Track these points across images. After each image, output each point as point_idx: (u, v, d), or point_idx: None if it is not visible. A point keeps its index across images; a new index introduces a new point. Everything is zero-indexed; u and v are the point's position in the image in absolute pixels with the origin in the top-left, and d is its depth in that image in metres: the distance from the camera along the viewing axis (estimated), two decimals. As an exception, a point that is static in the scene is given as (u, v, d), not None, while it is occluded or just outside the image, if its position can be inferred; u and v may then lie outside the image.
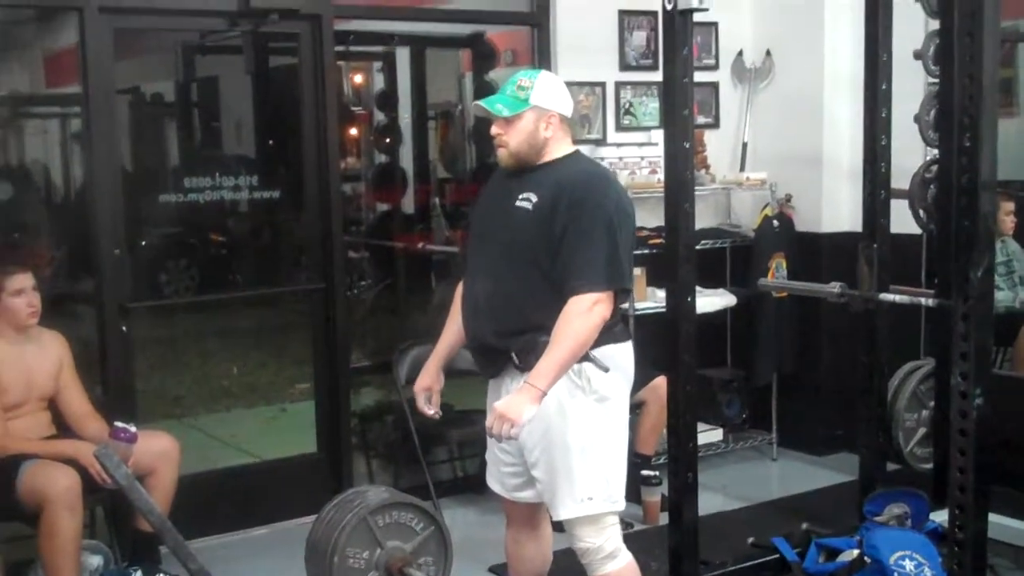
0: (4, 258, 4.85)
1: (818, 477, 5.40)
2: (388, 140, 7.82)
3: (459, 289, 3.38)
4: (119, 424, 3.97)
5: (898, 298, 4.13)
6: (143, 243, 6.43)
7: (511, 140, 3.15)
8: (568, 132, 3.24)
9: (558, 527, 3.35)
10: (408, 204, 7.95)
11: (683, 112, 3.85)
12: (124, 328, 4.49)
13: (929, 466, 4.55)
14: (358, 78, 8.42)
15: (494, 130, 3.19)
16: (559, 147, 3.18)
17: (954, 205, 3.18)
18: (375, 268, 7.22)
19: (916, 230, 4.72)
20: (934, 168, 4.41)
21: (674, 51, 3.82)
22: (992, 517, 3.33)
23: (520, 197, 3.12)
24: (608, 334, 3.09)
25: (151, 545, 4.14)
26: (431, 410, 3.39)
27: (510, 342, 3.12)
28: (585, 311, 2.98)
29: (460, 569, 3.92)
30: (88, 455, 3.73)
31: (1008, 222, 5.23)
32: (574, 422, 3.11)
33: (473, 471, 5.14)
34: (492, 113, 3.15)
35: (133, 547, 4.18)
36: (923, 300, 4.04)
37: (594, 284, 2.99)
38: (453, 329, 3.39)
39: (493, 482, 3.41)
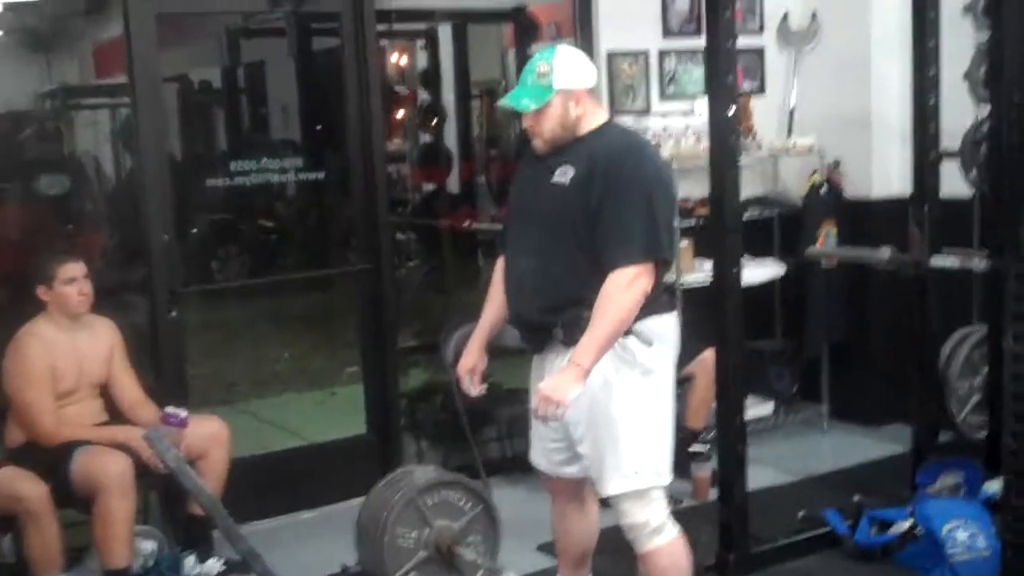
0: (57, 247, 4.92)
1: (871, 449, 5.30)
2: (432, 119, 7.83)
3: (498, 266, 3.36)
4: (169, 409, 4.02)
5: (949, 261, 4.04)
6: (193, 229, 6.50)
7: (544, 129, 3.12)
8: (597, 102, 3.21)
9: (604, 503, 3.33)
10: (453, 183, 7.96)
11: (727, 78, 3.81)
12: (174, 313, 4.51)
13: (983, 434, 4.46)
14: (401, 58, 8.42)
15: (526, 122, 3.16)
16: (591, 119, 3.15)
17: (1006, 162, 3.10)
18: (422, 248, 7.24)
19: (968, 193, 4.63)
20: (985, 127, 4.30)
21: (717, 15, 3.78)
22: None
23: (557, 172, 3.10)
24: (651, 306, 3.06)
25: (204, 530, 4.17)
26: (474, 389, 3.39)
27: (554, 318, 3.10)
28: (625, 286, 2.96)
29: (509, 547, 3.93)
30: (140, 440, 3.78)
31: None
32: (619, 396, 3.09)
33: (522, 450, 5.04)
34: (519, 110, 3.12)
35: (186, 532, 4.22)
36: (975, 263, 3.94)
37: (633, 257, 2.96)
38: (493, 307, 3.37)
39: (538, 457, 3.40)
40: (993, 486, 4.04)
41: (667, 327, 3.18)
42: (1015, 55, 3.07)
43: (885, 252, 4.20)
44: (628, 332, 3.03)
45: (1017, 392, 3.06)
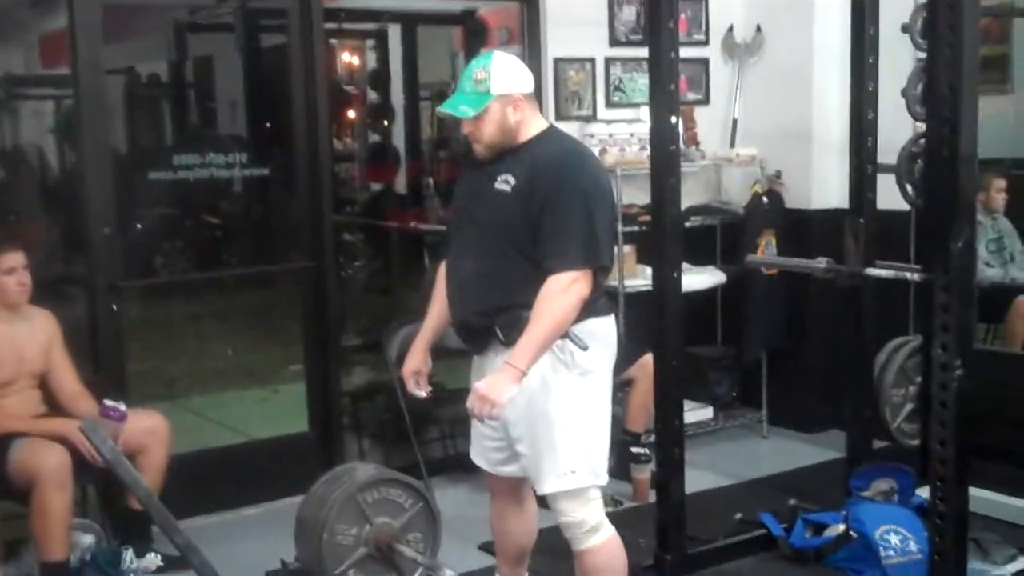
0: (-2, 238, 4.86)
1: (807, 454, 5.41)
2: (380, 119, 7.84)
3: (441, 270, 3.39)
4: (108, 402, 4.01)
5: (883, 272, 4.13)
6: (136, 224, 6.44)
7: (484, 135, 3.15)
8: (536, 108, 3.24)
9: (543, 503, 3.37)
10: (400, 183, 7.97)
11: (669, 87, 3.86)
12: (114, 307, 4.49)
13: (916, 442, 4.56)
14: (350, 57, 8.42)
15: (465, 129, 3.19)
16: (531, 126, 3.18)
17: (934, 176, 3.18)
18: (368, 248, 7.23)
19: (906, 207, 4.74)
20: (922, 142, 4.40)
21: (659, 25, 3.83)
22: (986, 493, 3.35)
23: (499, 180, 3.13)
24: (590, 308, 3.10)
25: (142, 524, 4.17)
26: (421, 392, 3.42)
27: (494, 320, 3.14)
28: (563, 290, 3.00)
29: (450, 546, 3.96)
30: (79, 433, 3.76)
31: (1000, 199, 5.24)
32: (557, 396, 3.12)
33: (464, 450, 5.03)
34: (458, 116, 3.15)
35: (125, 527, 4.21)
36: (908, 274, 4.04)
37: (572, 263, 3.01)
38: (437, 310, 3.41)
39: (477, 457, 3.44)
40: (925, 492, 4.14)
41: (605, 328, 3.23)
42: (947, 74, 3.15)
43: (821, 262, 4.27)
44: (565, 335, 3.07)
45: (944, 400, 3.14)
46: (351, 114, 8.13)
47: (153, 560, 4.15)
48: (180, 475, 4.20)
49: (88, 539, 4.04)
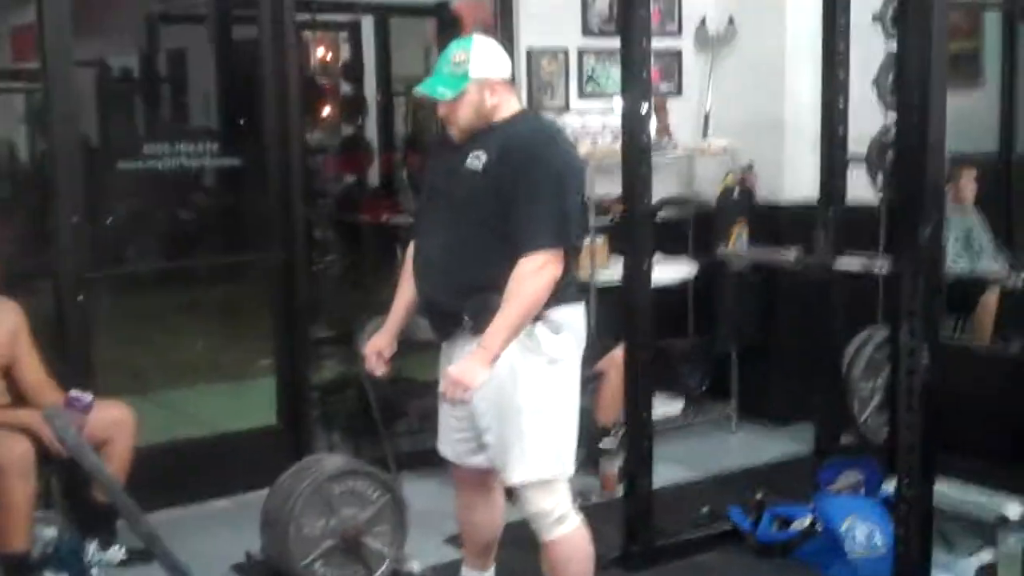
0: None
1: (778, 447, 5.39)
2: (354, 112, 7.79)
3: (410, 252, 3.38)
4: (74, 393, 3.96)
5: (852, 264, 4.14)
6: (105, 214, 6.38)
7: (459, 117, 3.15)
8: (512, 92, 3.24)
9: (510, 496, 3.36)
10: (374, 176, 7.94)
11: (641, 74, 3.86)
12: (81, 298, 4.45)
13: (884, 435, 4.56)
14: (324, 50, 8.38)
15: (441, 111, 3.19)
16: (505, 108, 3.18)
17: (903, 164, 3.20)
18: (341, 241, 7.18)
19: (876, 199, 4.74)
20: (891, 133, 4.41)
21: (631, 12, 3.83)
22: (952, 487, 3.36)
23: (470, 158, 3.12)
24: (559, 295, 3.09)
25: (107, 518, 4.12)
26: (378, 371, 3.41)
27: (462, 303, 3.12)
28: (535, 271, 2.99)
29: (418, 539, 3.94)
30: (43, 423, 3.72)
31: (970, 189, 5.26)
32: (525, 385, 3.11)
33: (434, 443, 5.09)
34: (434, 98, 3.14)
35: (89, 519, 4.17)
36: (877, 265, 4.04)
37: (543, 243, 3.00)
38: (406, 293, 3.40)
39: (445, 448, 3.42)
40: (892, 485, 4.14)
41: (574, 317, 3.21)
42: (916, 62, 3.16)
43: (791, 253, 4.29)
44: (536, 319, 3.06)
45: (910, 386, 3.14)
46: (324, 107, 8.07)
47: (117, 553, 4.10)
48: (148, 467, 4.15)
49: (50, 532, 3.98)
